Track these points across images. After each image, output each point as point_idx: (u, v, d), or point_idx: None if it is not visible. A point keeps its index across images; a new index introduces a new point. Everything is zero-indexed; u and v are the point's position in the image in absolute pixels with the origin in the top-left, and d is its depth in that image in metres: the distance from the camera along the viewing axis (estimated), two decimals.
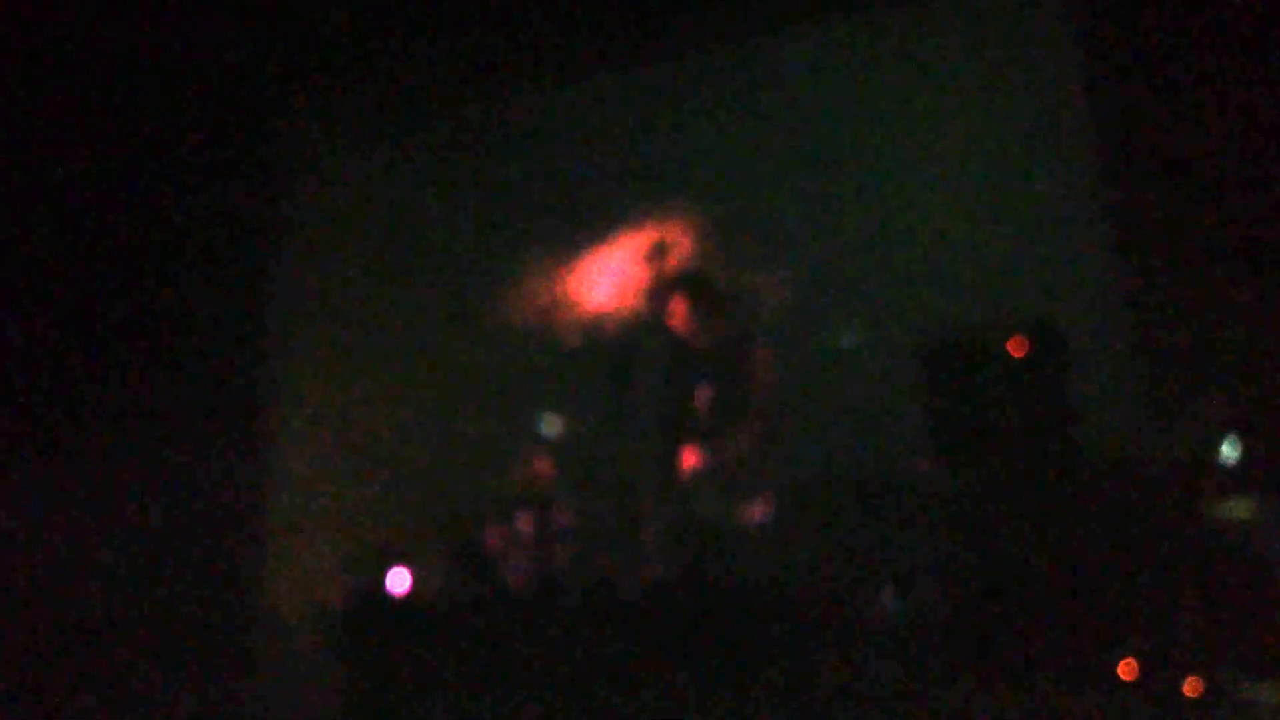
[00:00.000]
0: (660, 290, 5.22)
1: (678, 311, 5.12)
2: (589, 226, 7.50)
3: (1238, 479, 5.18)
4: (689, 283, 5.22)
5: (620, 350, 5.55)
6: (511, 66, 7.61)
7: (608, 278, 7.15)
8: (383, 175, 8.39)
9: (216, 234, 8.10)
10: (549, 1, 7.04)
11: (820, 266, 6.93)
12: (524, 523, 6.23)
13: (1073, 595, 4.82)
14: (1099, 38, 6.55)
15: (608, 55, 7.54)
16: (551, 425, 5.10)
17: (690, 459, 4.93)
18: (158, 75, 7.27)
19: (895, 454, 5.83)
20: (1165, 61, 6.28)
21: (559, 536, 6.16)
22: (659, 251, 5.55)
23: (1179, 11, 6.23)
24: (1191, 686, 4.60)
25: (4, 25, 6.67)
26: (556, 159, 7.80)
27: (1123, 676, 4.74)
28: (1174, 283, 6.14)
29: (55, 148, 7.31)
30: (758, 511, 4.87)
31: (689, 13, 7.14)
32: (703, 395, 4.96)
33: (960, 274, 6.56)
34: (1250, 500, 5.12)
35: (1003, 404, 5.29)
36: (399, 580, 6.64)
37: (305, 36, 7.18)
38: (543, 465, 6.52)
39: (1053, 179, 6.57)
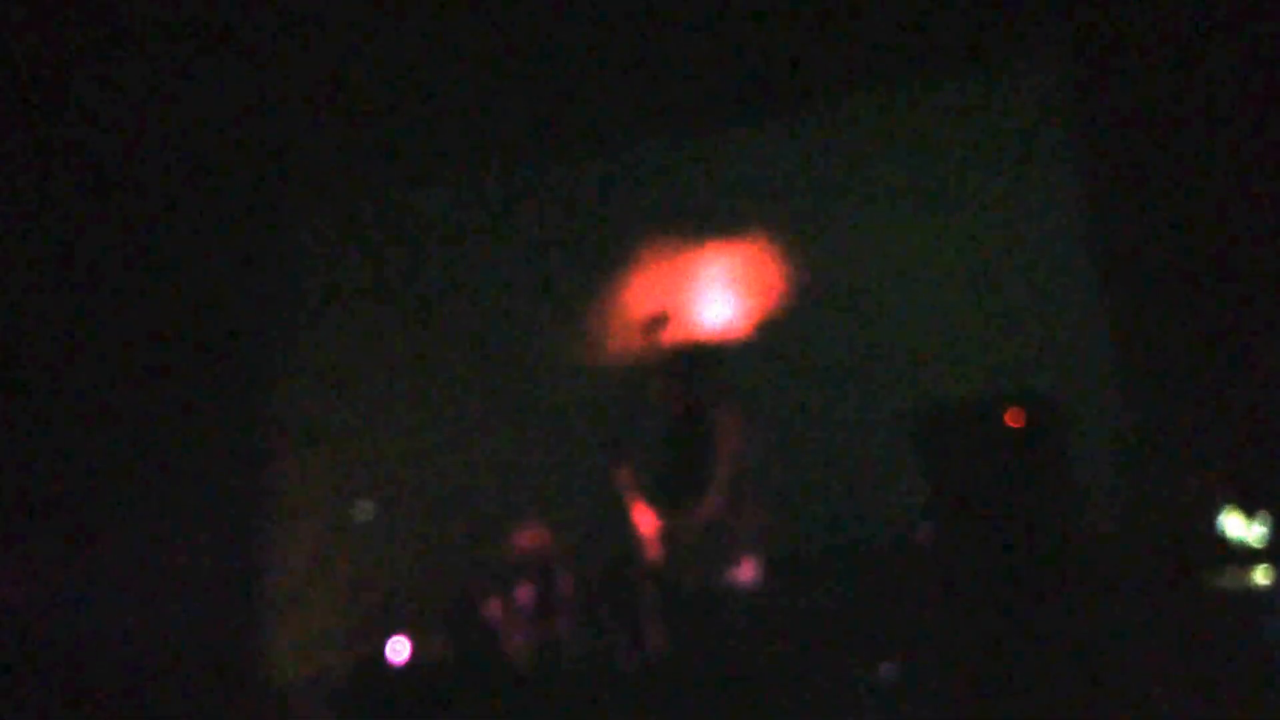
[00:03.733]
0: (653, 361, 5.26)
1: (663, 381, 5.18)
2: (588, 300, 7.58)
3: (1235, 550, 5.21)
4: (676, 354, 5.27)
5: (617, 420, 5.60)
6: (527, 132, 7.73)
7: (606, 350, 7.20)
8: (389, 239, 8.47)
9: (219, 298, 8.18)
10: (562, 76, 7.18)
11: (819, 337, 7.00)
12: (523, 593, 6.25)
13: (1069, 665, 4.82)
14: (1091, 112, 6.67)
15: (620, 128, 7.66)
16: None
17: (676, 527, 4.95)
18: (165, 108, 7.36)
19: (892, 524, 5.85)
20: (1158, 134, 6.38)
21: (558, 607, 6.17)
22: (657, 324, 5.61)
23: (1169, 85, 6.34)
24: None
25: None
26: (551, 238, 7.90)
27: None
28: (1170, 356, 6.19)
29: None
30: (751, 580, 4.89)
31: (689, 90, 7.27)
32: (686, 463, 5.00)
33: (958, 346, 6.62)
34: (1247, 572, 5.13)
35: (1000, 475, 5.31)
36: (399, 649, 6.65)
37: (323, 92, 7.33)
38: (541, 536, 6.54)
39: (1049, 253, 6.65)
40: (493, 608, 6.48)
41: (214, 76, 6.88)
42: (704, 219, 7.46)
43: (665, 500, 5.02)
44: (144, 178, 7.66)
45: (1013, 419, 5.36)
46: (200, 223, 8.07)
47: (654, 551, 4.97)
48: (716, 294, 7.21)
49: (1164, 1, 6.30)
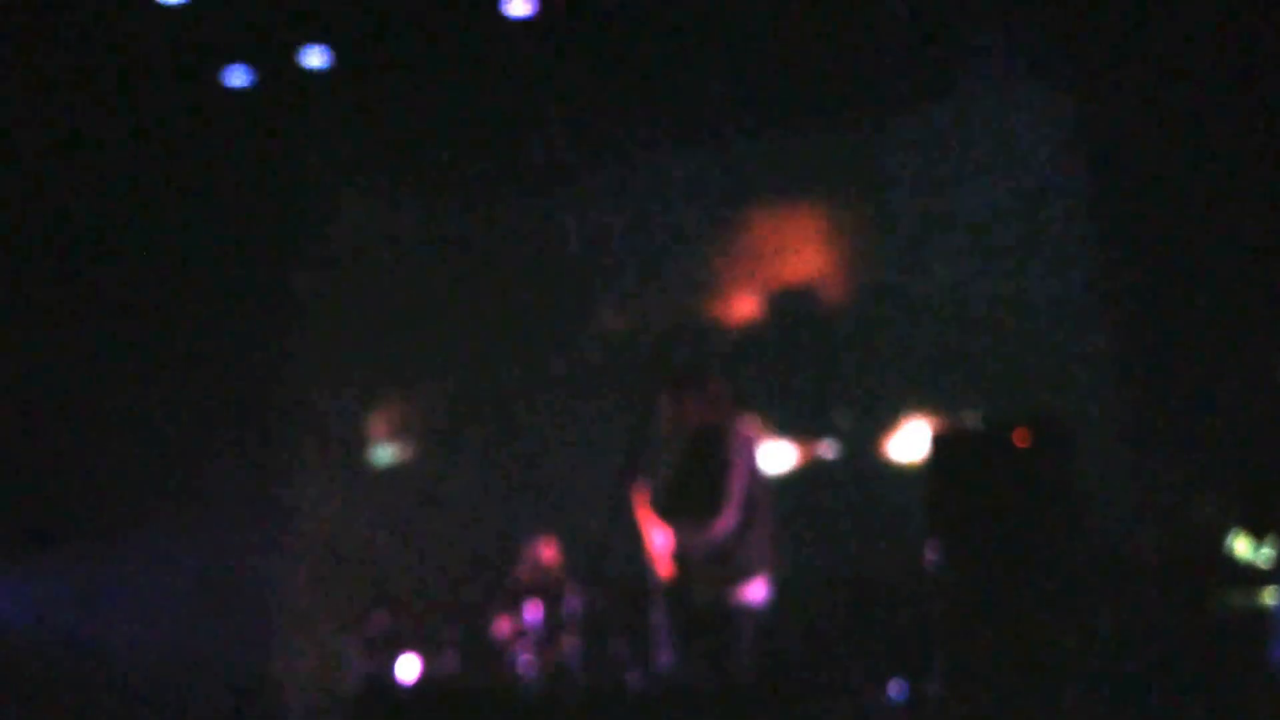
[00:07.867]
0: (661, 381, 5.26)
1: (675, 401, 5.17)
2: (597, 317, 7.61)
3: (1243, 572, 5.21)
4: (685, 373, 5.27)
5: (627, 439, 5.59)
6: (533, 156, 7.80)
7: (615, 369, 7.23)
8: (399, 251, 8.51)
9: (233, 319, 8.21)
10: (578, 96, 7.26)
11: (830, 360, 7.02)
12: (532, 612, 6.27)
13: (1076, 685, 4.82)
14: (1100, 138, 6.71)
15: (627, 149, 7.71)
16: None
17: (685, 545, 4.94)
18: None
19: (901, 544, 5.86)
20: (1166, 161, 6.40)
21: (567, 625, 6.19)
22: (665, 343, 5.62)
23: (1178, 110, 6.37)
24: None
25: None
26: (565, 251, 7.92)
27: None
28: (1179, 377, 6.21)
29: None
30: (761, 599, 4.88)
31: (697, 109, 7.32)
32: (696, 482, 4.99)
33: (965, 366, 6.65)
34: (1255, 594, 5.14)
35: (1007, 495, 5.32)
36: (409, 667, 6.67)
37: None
38: (551, 555, 6.56)
39: (1056, 273, 6.68)
40: (502, 626, 6.50)
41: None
42: (709, 232, 7.51)
43: (679, 517, 5.00)
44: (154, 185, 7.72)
45: (1020, 439, 5.37)
46: (212, 236, 8.12)
47: (666, 569, 4.97)
48: (728, 311, 7.25)
49: (1166, 17, 6.33)
